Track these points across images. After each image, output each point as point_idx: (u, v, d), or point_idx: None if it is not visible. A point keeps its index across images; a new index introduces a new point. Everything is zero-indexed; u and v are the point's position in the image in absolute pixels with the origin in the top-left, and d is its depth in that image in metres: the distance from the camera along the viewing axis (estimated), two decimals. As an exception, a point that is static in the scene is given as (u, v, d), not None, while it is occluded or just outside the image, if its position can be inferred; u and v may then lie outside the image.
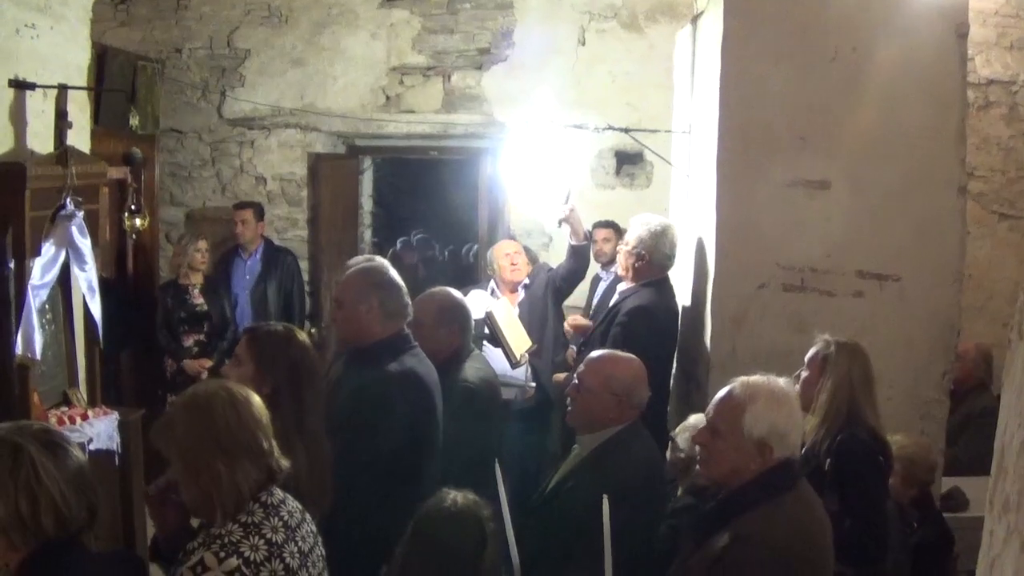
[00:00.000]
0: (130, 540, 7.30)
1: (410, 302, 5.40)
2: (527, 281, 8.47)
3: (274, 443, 3.59)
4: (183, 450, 3.44)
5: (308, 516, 3.73)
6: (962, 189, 6.37)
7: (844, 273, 6.35)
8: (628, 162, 10.77)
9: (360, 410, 4.85)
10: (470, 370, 5.89)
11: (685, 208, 7.59)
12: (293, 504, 3.64)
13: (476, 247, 13.46)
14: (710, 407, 4.14)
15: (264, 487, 3.51)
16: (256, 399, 3.61)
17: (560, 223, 8.17)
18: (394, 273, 5.41)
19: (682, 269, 7.28)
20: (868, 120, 6.27)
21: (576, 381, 5.15)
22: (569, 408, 5.20)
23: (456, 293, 6.13)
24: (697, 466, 4.28)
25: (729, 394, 4.04)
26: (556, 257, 9.42)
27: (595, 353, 5.39)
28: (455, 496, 4.47)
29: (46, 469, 3.04)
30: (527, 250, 9.34)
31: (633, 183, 10.78)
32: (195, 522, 3.68)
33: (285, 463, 3.61)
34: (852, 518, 4.93)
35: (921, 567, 5.67)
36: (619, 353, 5.32)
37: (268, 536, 3.40)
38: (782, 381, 4.12)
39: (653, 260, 7.04)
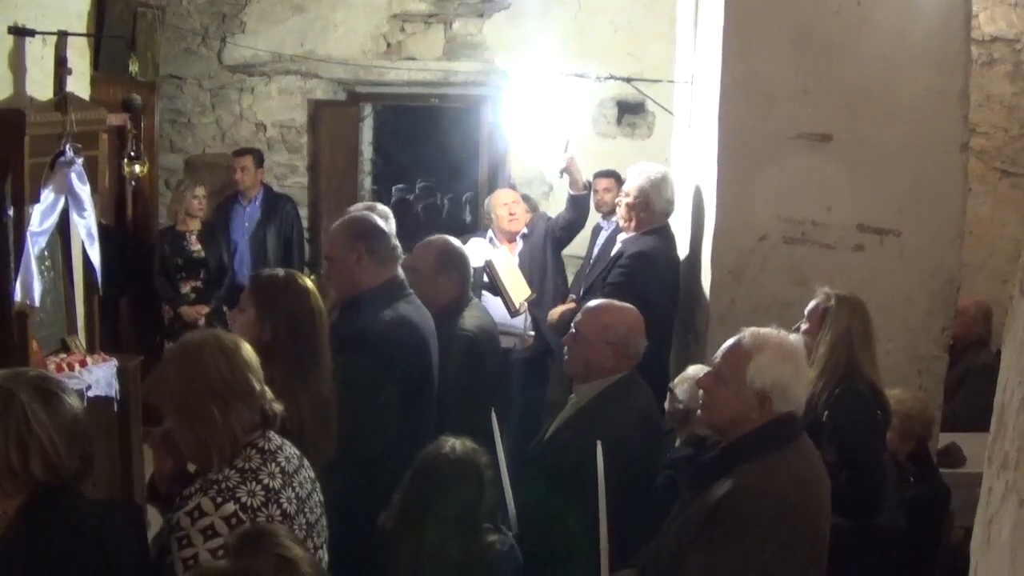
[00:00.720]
0: (128, 486, 7.32)
1: (399, 245, 5.40)
2: (526, 231, 8.46)
3: (266, 388, 3.60)
4: (176, 399, 3.47)
5: (306, 462, 3.74)
6: (964, 146, 6.35)
7: (845, 227, 6.34)
8: (629, 112, 10.72)
9: (355, 358, 4.84)
10: (469, 319, 5.89)
11: (686, 159, 7.57)
12: (291, 450, 3.66)
13: (472, 195, 13.42)
14: (718, 353, 4.16)
15: (259, 430, 3.53)
16: (245, 345, 3.62)
17: (561, 173, 8.16)
18: (378, 219, 5.41)
19: (682, 220, 7.28)
20: (871, 74, 6.24)
21: (573, 330, 5.16)
22: (566, 357, 5.21)
23: (455, 241, 6.12)
24: (699, 411, 4.29)
25: (738, 342, 4.06)
26: (557, 206, 9.43)
27: (592, 302, 5.40)
28: (454, 443, 4.50)
29: (37, 417, 3.04)
30: (527, 199, 9.33)
31: (634, 133, 10.75)
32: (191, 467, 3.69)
33: (279, 407, 3.63)
34: (848, 470, 4.95)
35: (917, 522, 5.69)
36: (616, 303, 5.32)
37: (265, 482, 3.42)
38: (793, 337, 4.13)
39: (655, 208, 7.08)
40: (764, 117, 6.31)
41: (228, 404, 3.43)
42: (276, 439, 3.61)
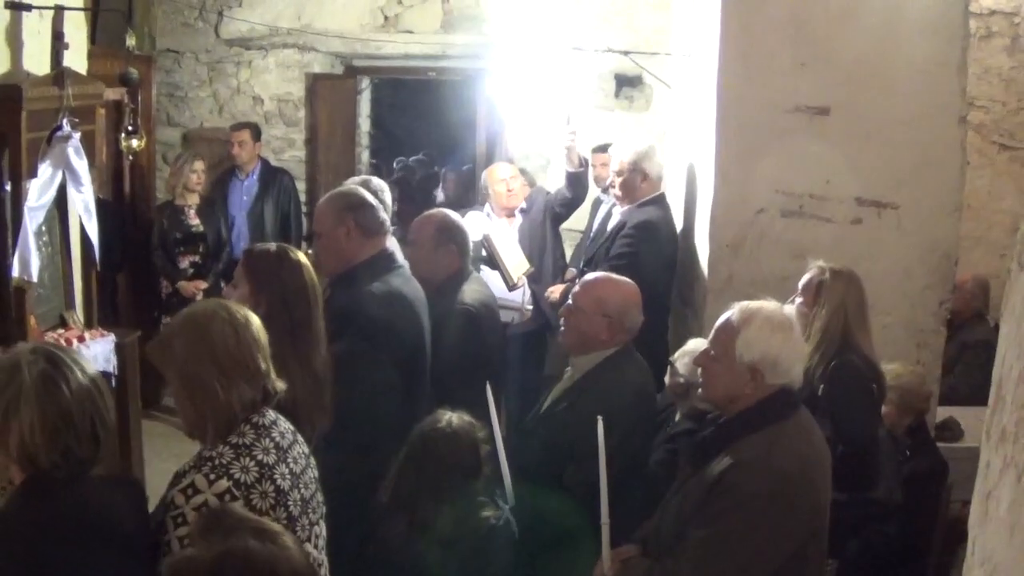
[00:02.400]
0: (127, 461, 7.33)
1: (387, 219, 5.40)
2: (524, 205, 8.43)
3: (271, 364, 3.60)
4: (180, 368, 3.47)
5: (300, 437, 3.74)
6: (962, 119, 6.35)
7: (843, 200, 6.34)
8: (627, 85, 10.68)
9: (346, 332, 4.84)
10: (469, 292, 5.89)
11: (684, 132, 7.56)
12: (285, 425, 3.66)
13: (470, 167, 13.40)
14: (712, 330, 4.17)
15: (258, 408, 3.53)
16: (255, 320, 3.62)
17: (568, 150, 8.14)
18: (365, 192, 5.41)
19: (679, 194, 7.28)
20: (869, 47, 6.23)
21: (570, 302, 5.17)
22: (561, 328, 5.22)
23: (453, 214, 6.12)
24: (699, 390, 4.31)
25: (727, 318, 4.07)
26: (554, 179, 9.47)
27: (590, 275, 5.42)
28: (451, 417, 4.52)
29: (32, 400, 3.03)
30: (524, 172, 9.31)
31: (632, 106, 10.71)
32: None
33: (281, 385, 3.63)
34: (844, 444, 4.97)
35: (914, 496, 5.70)
36: (615, 276, 5.34)
37: (259, 458, 3.41)
38: (785, 308, 4.13)
39: (652, 174, 7.18)
40: (762, 90, 6.30)
41: (231, 380, 3.44)
42: (271, 414, 3.60)
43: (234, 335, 3.48)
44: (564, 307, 5.22)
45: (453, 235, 5.92)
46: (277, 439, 3.53)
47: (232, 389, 3.44)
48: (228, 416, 3.44)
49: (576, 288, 5.27)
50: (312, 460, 3.77)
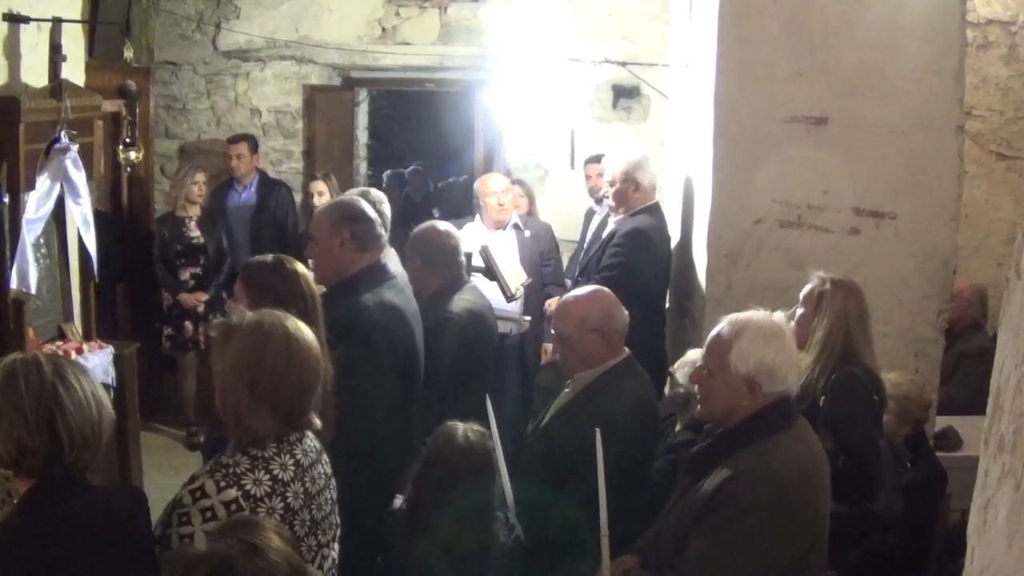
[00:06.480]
0: (125, 473, 7.31)
1: (384, 233, 5.42)
2: (516, 220, 8.40)
3: (312, 405, 3.60)
4: (222, 369, 3.49)
5: (325, 457, 3.73)
6: (960, 128, 6.36)
7: (841, 210, 6.34)
8: (625, 96, 10.69)
9: (339, 344, 4.84)
10: (457, 301, 5.94)
11: (681, 143, 7.57)
12: (310, 443, 3.64)
13: (467, 179, 13.41)
14: (704, 346, 4.17)
15: (285, 437, 3.52)
16: (315, 353, 3.58)
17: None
18: (366, 205, 5.42)
19: (677, 205, 7.29)
20: (866, 57, 6.24)
21: (556, 337, 5.17)
22: (562, 361, 5.21)
23: (442, 227, 6.16)
24: (698, 406, 4.30)
25: (718, 333, 4.08)
26: (552, 190, 9.64)
27: (558, 305, 5.42)
28: (464, 429, 4.53)
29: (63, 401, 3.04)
30: (521, 183, 9.33)
31: (629, 117, 10.72)
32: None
33: (317, 423, 3.63)
34: (845, 456, 4.96)
35: (914, 505, 5.70)
36: (579, 292, 5.36)
37: (275, 472, 3.40)
38: (776, 315, 4.13)
39: (644, 184, 7.14)
40: (760, 100, 6.31)
41: (258, 405, 3.43)
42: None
43: (284, 365, 3.46)
44: (554, 345, 5.22)
45: (415, 249, 6.04)
46: (299, 456, 3.51)
47: (256, 414, 3.42)
48: (252, 436, 3.43)
49: (553, 322, 5.25)
50: (332, 482, 3.75)
